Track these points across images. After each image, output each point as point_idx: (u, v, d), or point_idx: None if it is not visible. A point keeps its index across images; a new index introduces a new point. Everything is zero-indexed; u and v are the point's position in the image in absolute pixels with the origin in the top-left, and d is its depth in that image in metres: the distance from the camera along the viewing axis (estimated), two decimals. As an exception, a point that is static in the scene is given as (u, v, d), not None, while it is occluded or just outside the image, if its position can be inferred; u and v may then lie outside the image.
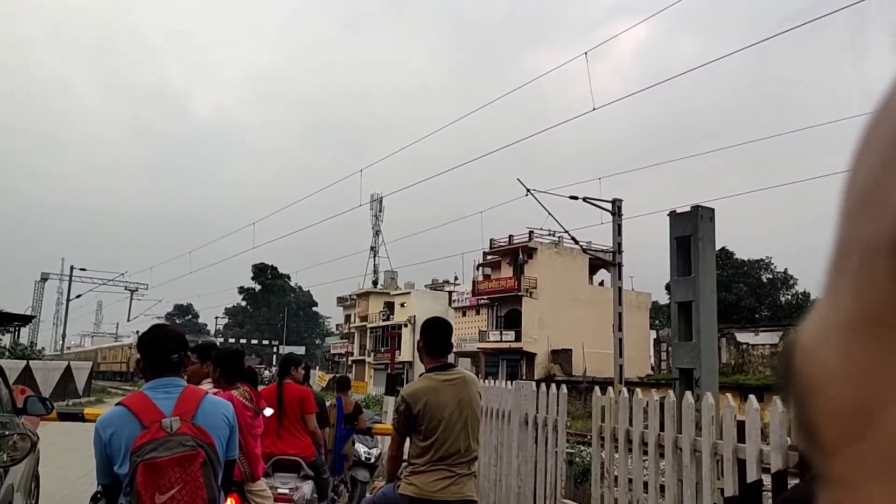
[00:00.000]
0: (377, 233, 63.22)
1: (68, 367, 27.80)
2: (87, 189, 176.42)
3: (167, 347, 2.89)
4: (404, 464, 4.13)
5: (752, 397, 3.42)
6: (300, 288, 78.95)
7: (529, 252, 41.92)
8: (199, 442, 2.71)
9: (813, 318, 0.27)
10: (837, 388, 0.25)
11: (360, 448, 7.75)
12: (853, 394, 0.24)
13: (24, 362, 22.39)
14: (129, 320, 48.57)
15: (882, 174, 0.25)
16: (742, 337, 33.98)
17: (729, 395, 3.78)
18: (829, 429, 0.25)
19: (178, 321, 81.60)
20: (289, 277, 76.34)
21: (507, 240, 43.42)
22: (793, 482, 2.92)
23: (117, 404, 2.84)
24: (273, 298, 77.60)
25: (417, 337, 4.20)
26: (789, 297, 48.66)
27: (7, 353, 26.22)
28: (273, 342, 66.63)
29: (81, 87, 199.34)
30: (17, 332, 31.10)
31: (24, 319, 29.79)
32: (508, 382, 6.33)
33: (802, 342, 0.27)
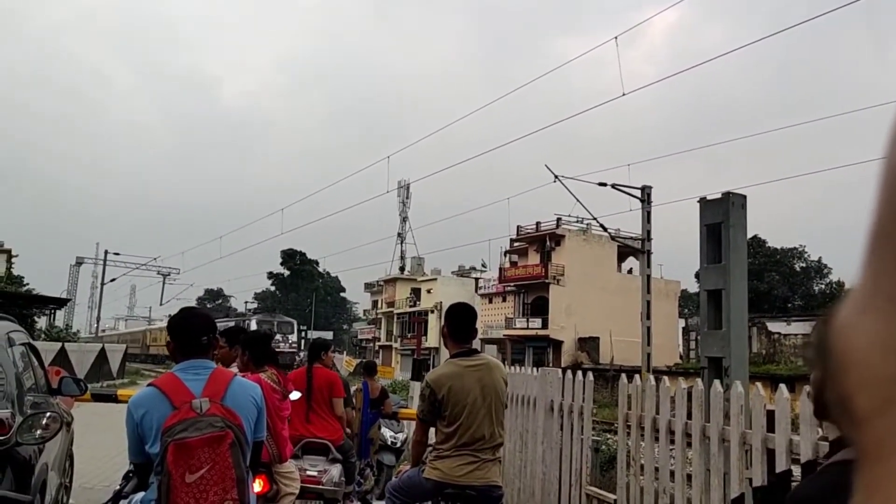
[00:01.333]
0: (404, 219, 63.34)
1: (103, 350, 28.37)
2: (121, 175, 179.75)
3: (197, 330, 2.93)
4: (429, 448, 4.16)
5: (782, 386, 3.37)
6: (328, 273, 79.53)
7: (557, 239, 41.68)
8: (228, 423, 2.75)
9: (851, 296, 0.28)
10: (873, 359, 0.25)
11: (387, 432, 7.82)
12: (888, 363, 0.25)
13: (60, 344, 22.90)
14: (161, 304, 49.52)
15: None
16: (774, 326, 33.49)
17: (759, 384, 3.73)
18: (863, 398, 0.26)
19: (208, 305, 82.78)
20: (317, 263, 76.93)
21: (534, 227, 43.20)
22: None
23: (149, 385, 2.89)
24: (301, 284, 78.29)
25: (443, 323, 4.20)
26: (823, 286, 47.78)
27: (43, 336, 26.84)
28: (301, 327, 67.26)
29: (114, 73, 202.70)
30: (52, 315, 31.81)
31: (60, 302, 30.40)
32: (534, 369, 6.31)
33: (839, 318, 0.28)
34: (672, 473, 4.26)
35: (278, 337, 41.81)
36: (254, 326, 39.43)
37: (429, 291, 51.64)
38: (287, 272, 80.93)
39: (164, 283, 47.72)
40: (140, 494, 2.85)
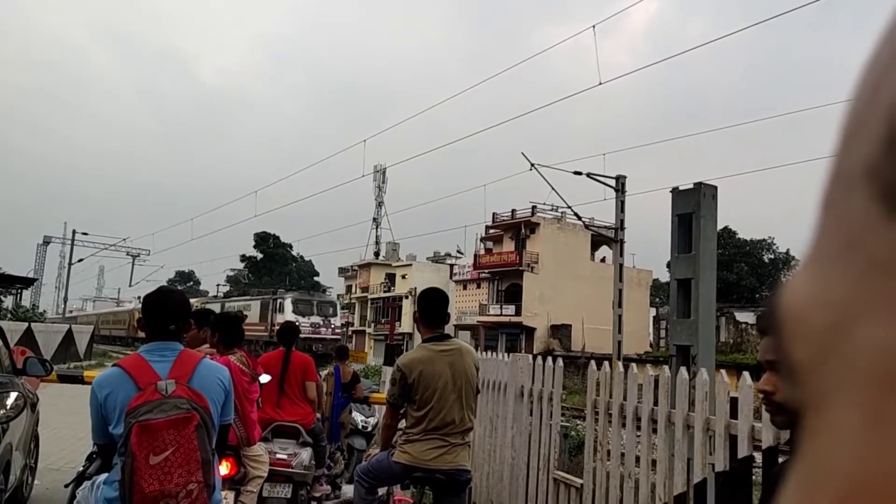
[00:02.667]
0: (380, 204, 62.99)
1: (69, 331, 27.98)
2: (93, 152, 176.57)
3: (171, 310, 2.90)
4: (399, 432, 4.17)
5: (745, 374, 3.43)
6: (302, 258, 79.03)
7: (532, 227, 41.85)
8: (194, 405, 2.72)
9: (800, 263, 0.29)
10: (807, 312, 0.26)
11: (357, 417, 7.82)
12: (826, 315, 0.25)
13: (26, 324, 22.52)
14: (130, 286, 48.83)
15: (862, 110, 0.26)
16: (741, 316, 34.06)
17: (724, 371, 3.79)
18: (801, 350, 0.26)
19: (179, 287, 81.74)
20: (291, 247, 76.41)
21: (509, 214, 43.32)
22: (783, 459, 2.94)
23: (113, 365, 2.86)
24: (275, 267, 77.65)
25: (415, 308, 4.21)
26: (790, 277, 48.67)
27: (9, 316, 26.37)
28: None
29: (91, 49, 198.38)
30: (19, 295, 31.24)
31: (27, 282, 29.86)
32: (506, 355, 6.35)
33: (787, 282, 0.28)
34: (637, 459, 4.33)
35: (318, 320, 36.50)
36: (288, 306, 35.99)
37: (403, 277, 51.59)
38: (260, 255, 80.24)
39: (133, 265, 47.02)
40: (103, 475, 2.82)
